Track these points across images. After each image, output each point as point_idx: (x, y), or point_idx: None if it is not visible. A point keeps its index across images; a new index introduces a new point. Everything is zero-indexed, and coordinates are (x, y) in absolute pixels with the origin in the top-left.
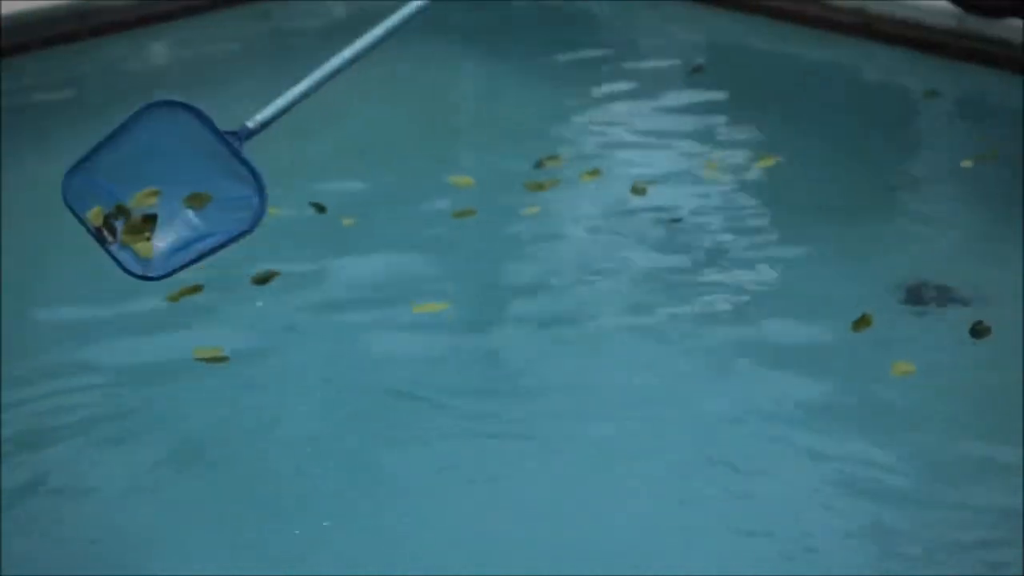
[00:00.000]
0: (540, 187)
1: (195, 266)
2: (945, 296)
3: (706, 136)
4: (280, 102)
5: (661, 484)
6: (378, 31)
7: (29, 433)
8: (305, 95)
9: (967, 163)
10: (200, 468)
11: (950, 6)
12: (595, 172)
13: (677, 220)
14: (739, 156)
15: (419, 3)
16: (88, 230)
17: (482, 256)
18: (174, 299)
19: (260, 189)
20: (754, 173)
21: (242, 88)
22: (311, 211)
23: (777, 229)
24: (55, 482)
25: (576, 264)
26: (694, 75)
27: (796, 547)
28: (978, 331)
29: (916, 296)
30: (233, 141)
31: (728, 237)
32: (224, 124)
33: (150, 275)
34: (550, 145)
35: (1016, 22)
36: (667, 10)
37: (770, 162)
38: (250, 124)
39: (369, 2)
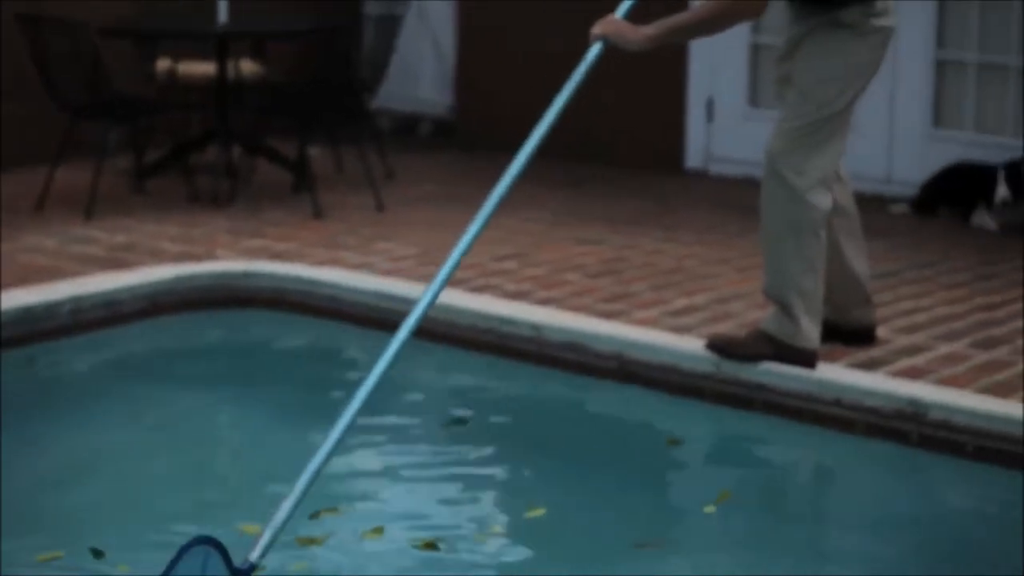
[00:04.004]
0: (314, 542)
1: None
2: None
3: (477, 489)
4: (270, 530)
5: None
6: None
7: None
8: (291, 511)
9: (710, 508)
10: None
11: (707, 353)
12: (378, 530)
13: None
14: (509, 509)
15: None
16: None
17: None
18: None
19: None
20: (523, 526)
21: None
22: (89, 557)
23: None
24: None
25: None
26: (462, 426)
27: None
28: None
29: None
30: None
31: None
32: None
33: None
34: (323, 498)
35: (774, 366)
36: (431, 357)
37: (538, 512)
38: (252, 558)
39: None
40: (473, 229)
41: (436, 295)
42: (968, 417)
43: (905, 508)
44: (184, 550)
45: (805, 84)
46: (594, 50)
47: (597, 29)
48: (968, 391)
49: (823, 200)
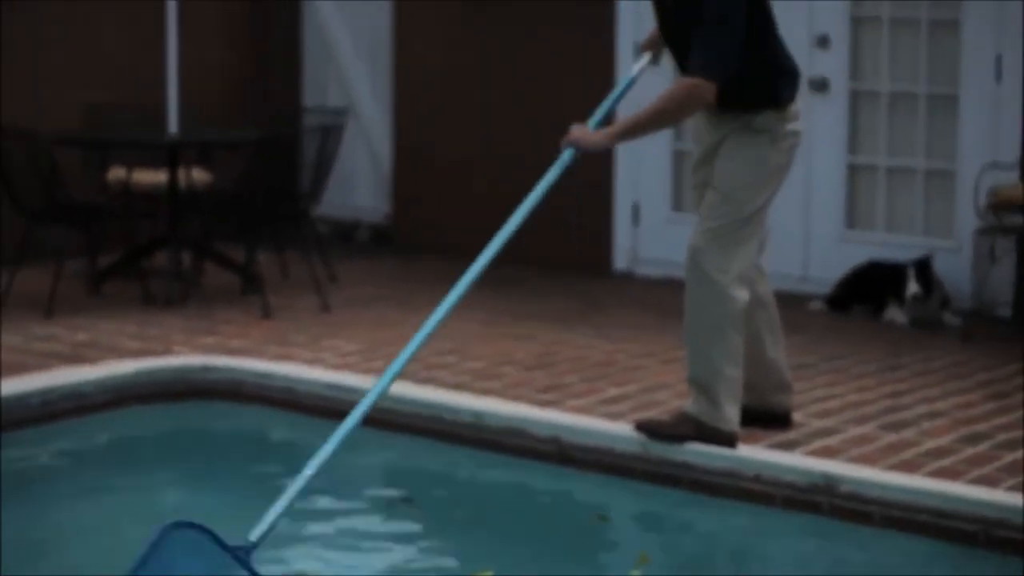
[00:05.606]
0: None
1: None
2: None
3: (427, 562)
4: (271, 514)
5: None
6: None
7: None
8: (293, 501)
9: (634, 572)
10: None
11: (636, 435)
12: None
13: None
14: None
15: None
16: None
17: None
18: None
19: None
20: None
21: None
22: None
23: None
24: None
25: None
26: (405, 505)
27: None
28: None
29: None
30: (242, 555)
31: None
32: None
33: None
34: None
35: (698, 446)
36: (380, 443)
37: (487, 574)
38: (252, 538)
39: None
40: (425, 330)
41: (385, 388)
42: (875, 489)
43: (818, 571)
44: (164, 534)
45: (724, 187)
46: (565, 156)
47: (565, 140)
48: (876, 468)
49: (742, 294)
